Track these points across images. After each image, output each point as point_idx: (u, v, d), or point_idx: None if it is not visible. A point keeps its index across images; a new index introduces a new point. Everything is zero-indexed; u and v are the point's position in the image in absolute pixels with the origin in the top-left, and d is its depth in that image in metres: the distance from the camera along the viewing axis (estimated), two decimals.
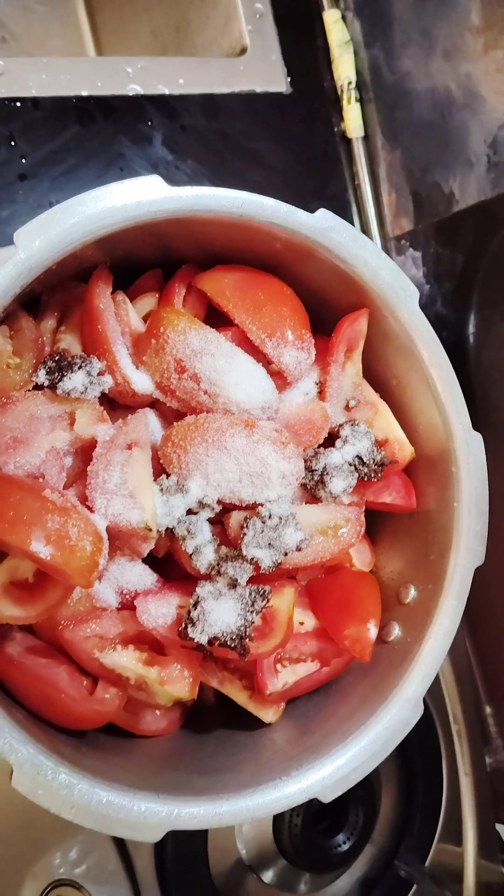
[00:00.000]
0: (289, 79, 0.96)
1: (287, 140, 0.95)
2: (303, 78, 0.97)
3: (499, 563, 0.80)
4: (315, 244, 0.57)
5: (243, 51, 0.94)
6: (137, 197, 0.51)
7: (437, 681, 0.92)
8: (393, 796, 0.90)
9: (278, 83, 0.95)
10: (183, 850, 0.78)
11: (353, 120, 0.97)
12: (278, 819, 0.81)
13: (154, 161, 0.88)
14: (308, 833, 0.81)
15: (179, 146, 0.89)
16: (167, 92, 0.89)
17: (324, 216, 0.57)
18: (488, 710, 0.96)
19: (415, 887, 0.89)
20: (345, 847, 0.83)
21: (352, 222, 1.00)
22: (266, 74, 0.95)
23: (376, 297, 0.60)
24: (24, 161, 0.82)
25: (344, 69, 0.97)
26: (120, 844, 0.77)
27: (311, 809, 0.81)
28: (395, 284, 0.59)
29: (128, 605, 0.57)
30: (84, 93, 0.85)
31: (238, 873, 0.83)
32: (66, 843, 0.75)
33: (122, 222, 0.51)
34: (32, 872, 0.73)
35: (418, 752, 0.90)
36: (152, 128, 0.88)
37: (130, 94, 0.87)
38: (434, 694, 0.92)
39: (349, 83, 0.98)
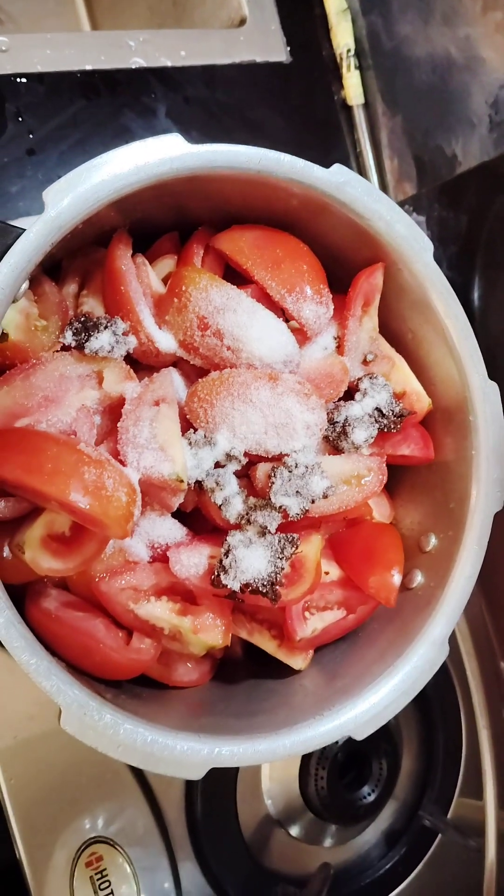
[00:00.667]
0: (288, 48, 0.96)
1: (288, 109, 0.96)
2: (302, 47, 0.97)
3: None
4: (331, 199, 0.58)
5: (242, 22, 0.95)
6: (160, 154, 0.52)
7: (453, 638, 0.94)
8: (414, 750, 0.92)
9: (278, 53, 0.96)
10: (212, 807, 0.80)
11: (352, 87, 0.98)
12: (304, 773, 0.83)
13: (158, 132, 0.88)
14: (333, 786, 0.83)
15: (183, 117, 0.90)
16: (169, 64, 0.90)
17: (339, 171, 0.58)
18: (503, 665, 0.98)
19: (439, 837, 0.91)
20: (369, 799, 0.85)
21: None
22: (266, 45, 0.96)
23: (391, 250, 0.61)
24: (31, 136, 0.83)
25: (342, 37, 0.98)
26: (152, 802, 0.79)
27: (336, 763, 0.83)
28: (410, 237, 0.61)
29: (159, 559, 0.59)
30: (88, 67, 0.86)
31: (266, 827, 0.85)
32: (100, 802, 0.77)
33: (147, 179, 0.52)
34: (68, 831, 0.75)
35: (438, 707, 0.92)
36: (156, 100, 0.89)
37: (133, 67, 0.88)
38: (451, 650, 0.94)
39: (348, 51, 0.98)
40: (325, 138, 1.00)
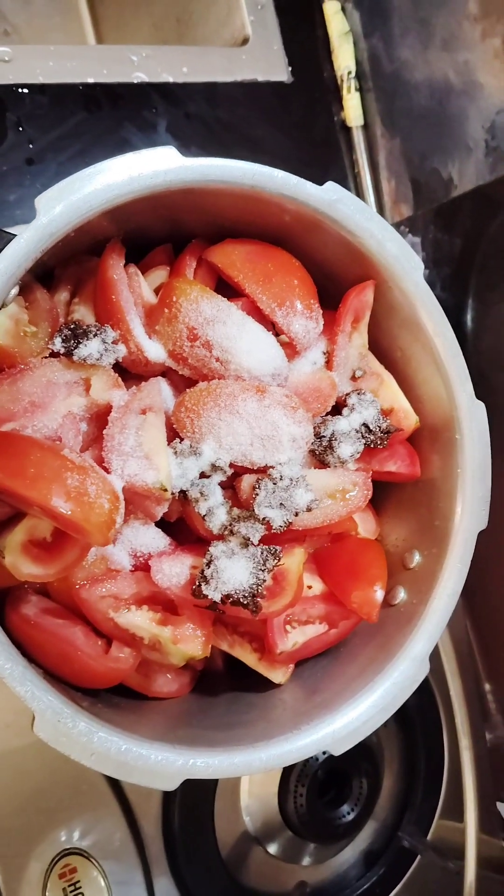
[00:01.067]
0: (290, 68, 0.98)
1: (288, 128, 0.97)
2: (303, 68, 0.99)
3: (495, 543, 0.82)
4: (323, 216, 0.59)
5: (245, 41, 0.96)
6: (154, 166, 0.52)
7: (437, 657, 0.93)
8: (395, 770, 0.92)
9: (280, 72, 0.97)
10: (190, 822, 0.80)
11: (352, 109, 0.99)
12: (283, 790, 0.83)
13: (159, 147, 0.90)
14: (313, 804, 0.82)
15: (183, 133, 0.91)
16: (171, 80, 0.91)
17: (332, 188, 0.59)
18: (488, 686, 0.98)
19: (418, 858, 0.90)
20: (349, 818, 0.85)
21: None
22: (268, 64, 0.97)
23: (382, 268, 0.62)
24: (31, 146, 0.84)
25: (344, 59, 0.99)
26: (128, 816, 0.78)
27: (316, 780, 0.83)
28: (401, 256, 0.61)
29: (141, 568, 0.59)
30: (90, 80, 0.87)
31: (244, 844, 0.84)
32: (75, 814, 0.76)
33: (139, 191, 0.52)
34: (42, 842, 0.75)
35: (420, 727, 0.92)
36: (157, 115, 0.90)
37: (135, 81, 0.89)
38: (434, 670, 0.94)
39: (349, 73, 1.00)
40: (324, 158, 1.01)
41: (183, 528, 0.62)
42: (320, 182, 1.03)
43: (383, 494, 0.72)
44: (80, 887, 0.74)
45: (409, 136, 0.97)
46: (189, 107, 0.92)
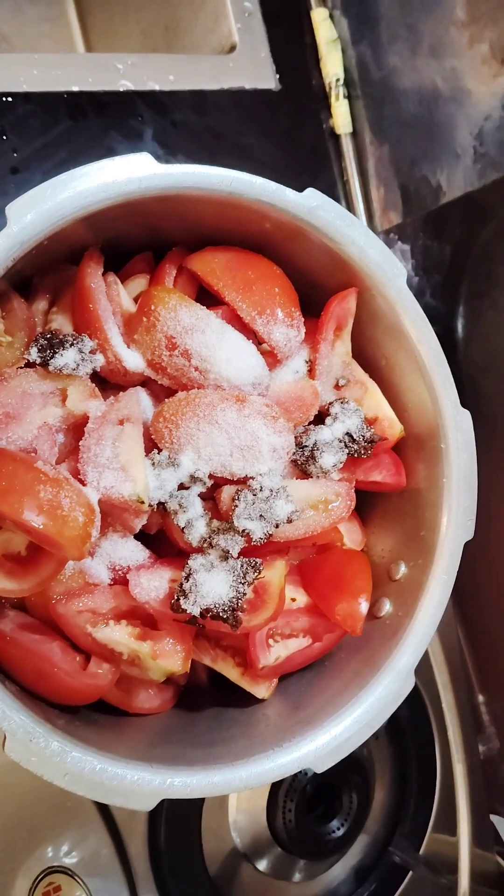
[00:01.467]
0: (278, 76, 0.97)
1: (276, 136, 0.97)
2: (291, 75, 0.98)
3: (487, 551, 0.81)
4: (303, 223, 0.58)
5: (232, 48, 0.96)
6: (128, 173, 0.52)
7: (429, 669, 0.92)
8: (386, 783, 0.90)
9: (267, 80, 0.97)
10: (177, 839, 0.78)
11: (341, 116, 0.99)
12: (272, 806, 0.81)
13: None
14: (302, 820, 0.81)
15: (170, 141, 0.91)
16: (157, 88, 0.90)
17: (312, 195, 0.58)
18: (481, 698, 0.97)
19: (410, 874, 0.89)
20: (339, 833, 0.83)
21: None
22: (255, 71, 0.96)
23: (365, 276, 0.61)
24: (15, 155, 0.83)
25: (332, 66, 0.99)
26: (114, 834, 0.77)
27: (305, 795, 0.81)
28: (384, 263, 0.60)
29: (120, 581, 0.58)
30: (75, 88, 0.86)
31: (233, 861, 0.83)
32: (60, 832, 0.75)
33: (113, 198, 0.51)
34: (26, 860, 0.73)
35: (412, 740, 0.91)
36: (143, 123, 0.89)
37: (121, 89, 0.88)
38: (427, 682, 0.92)
39: (337, 80, 0.99)
40: (313, 166, 1.01)
41: (164, 541, 0.61)
42: None
43: (369, 504, 0.71)
44: None
45: (397, 144, 0.97)
46: (176, 115, 0.91)
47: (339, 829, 0.83)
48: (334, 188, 1.02)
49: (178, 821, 0.78)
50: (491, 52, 0.83)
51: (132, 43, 1.14)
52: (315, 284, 0.65)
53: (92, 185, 0.50)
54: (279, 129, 0.97)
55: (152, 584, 0.56)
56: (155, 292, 0.57)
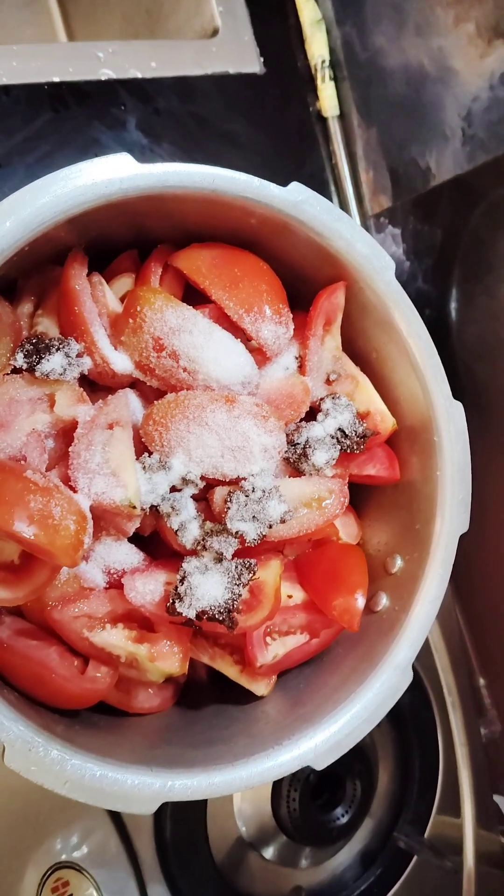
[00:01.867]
0: (262, 59, 0.95)
1: (262, 121, 0.95)
2: (276, 58, 0.96)
3: (486, 536, 0.81)
4: (289, 218, 0.57)
5: (215, 32, 0.94)
6: (108, 175, 0.51)
7: (429, 654, 0.93)
8: (390, 769, 0.91)
9: (251, 64, 0.95)
10: (183, 830, 0.79)
11: (327, 99, 0.97)
12: (276, 795, 0.82)
13: (129, 145, 0.88)
14: (306, 808, 0.82)
15: (154, 129, 0.89)
16: (140, 75, 0.89)
17: (296, 189, 0.57)
18: (482, 681, 0.97)
19: (415, 858, 0.90)
20: (343, 820, 0.84)
21: (330, 201, 1.00)
22: (239, 55, 0.95)
23: (353, 269, 0.60)
24: None
25: (317, 48, 0.97)
26: (120, 827, 0.77)
27: (309, 784, 0.82)
28: (371, 256, 0.60)
29: (115, 585, 0.58)
30: (56, 79, 0.85)
31: (239, 851, 0.84)
32: (67, 827, 0.76)
33: (94, 200, 0.51)
34: (33, 857, 0.74)
35: (413, 725, 0.91)
36: (126, 112, 0.88)
37: (103, 78, 0.87)
38: (427, 667, 0.93)
39: (323, 62, 0.97)
40: (300, 150, 0.99)
41: (158, 542, 0.60)
42: (298, 175, 1.01)
43: (364, 497, 0.70)
44: None
45: (385, 126, 0.95)
46: (159, 102, 0.90)
47: (343, 816, 0.84)
48: (323, 172, 1.00)
49: (183, 812, 0.78)
50: (477, 31, 0.81)
51: (113, 28, 1.12)
52: (303, 278, 0.64)
53: (71, 188, 0.49)
54: (265, 113, 0.96)
55: (147, 588, 0.56)
56: (140, 293, 0.57)
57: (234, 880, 0.82)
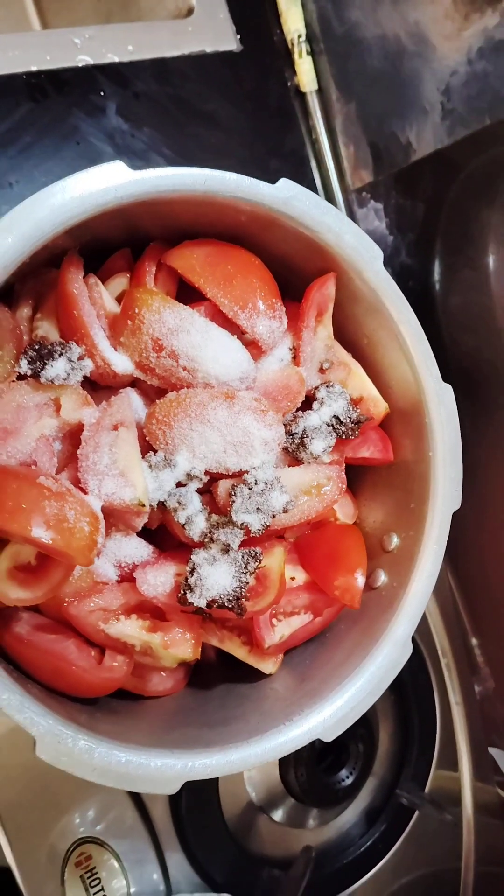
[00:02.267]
0: (238, 36, 0.95)
1: (241, 99, 0.95)
2: (252, 34, 0.96)
3: (475, 505, 0.83)
4: (279, 214, 0.58)
5: (190, 11, 0.93)
6: (103, 184, 0.52)
7: (424, 619, 0.96)
8: (390, 730, 0.95)
9: (228, 41, 0.95)
10: (196, 799, 0.83)
11: (305, 73, 0.97)
12: (283, 761, 0.86)
13: (110, 131, 0.88)
14: (312, 771, 0.86)
15: (134, 114, 0.89)
16: (117, 60, 0.88)
17: (285, 185, 0.58)
18: (474, 641, 1.01)
19: (417, 813, 0.94)
20: (348, 781, 0.88)
21: (311, 177, 1.01)
22: (215, 33, 0.94)
23: (342, 260, 0.61)
24: None
25: (293, 22, 0.96)
26: (136, 799, 0.81)
27: (314, 749, 0.86)
28: (360, 247, 0.61)
29: (127, 578, 0.60)
30: (34, 68, 0.84)
31: (250, 815, 0.88)
32: (85, 803, 0.79)
33: (91, 210, 0.52)
34: (55, 834, 0.78)
35: (411, 687, 0.95)
36: (105, 98, 0.88)
37: (80, 65, 0.86)
38: (422, 632, 0.96)
39: (299, 36, 0.97)
40: (280, 126, 0.99)
41: (164, 534, 0.63)
42: (278, 153, 1.01)
43: (360, 477, 0.73)
44: (96, 873, 0.77)
45: (364, 100, 0.95)
46: (137, 86, 0.89)
47: (347, 777, 0.88)
48: (303, 148, 1.00)
49: (197, 783, 0.82)
50: (453, 4, 0.81)
51: (85, 8, 1.11)
52: (292, 269, 0.65)
53: (68, 200, 0.51)
54: (243, 90, 0.95)
55: (158, 580, 0.58)
56: (137, 294, 0.58)
57: (246, 843, 0.87)
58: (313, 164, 1.01)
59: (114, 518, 0.58)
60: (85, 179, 0.51)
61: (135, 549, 0.60)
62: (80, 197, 0.51)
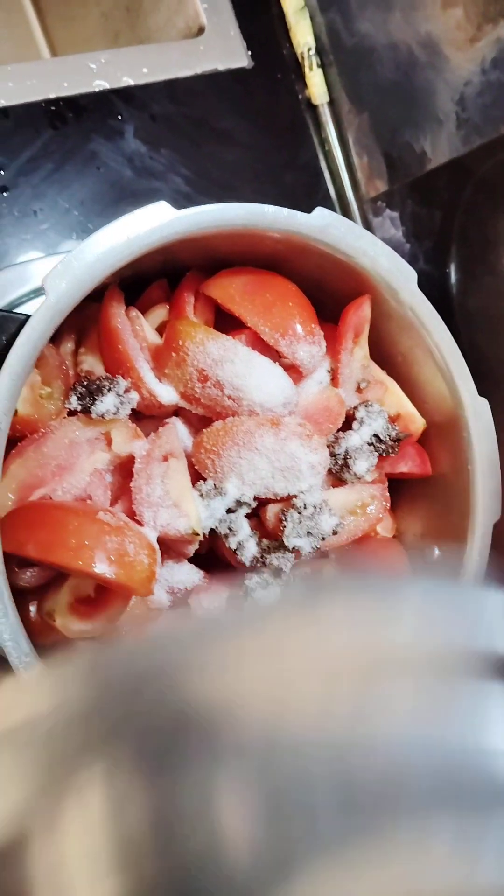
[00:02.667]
0: (249, 52, 0.96)
1: (254, 114, 0.96)
2: (262, 50, 0.97)
3: None
4: (316, 241, 0.60)
5: (201, 30, 0.95)
6: (148, 225, 0.53)
7: None
8: None
9: (239, 58, 0.96)
10: None
11: (316, 86, 0.98)
12: None
13: (129, 155, 0.89)
14: None
15: (151, 136, 0.90)
16: (132, 83, 0.89)
17: (321, 214, 0.59)
18: None
19: None
20: None
21: (326, 188, 1.02)
22: (226, 51, 0.95)
23: (377, 282, 0.63)
24: (2, 173, 0.83)
25: (302, 36, 0.98)
26: None
27: None
28: (394, 269, 0.62)
29: (179, 603, 0.62)
30: (52, 95, 0.85)
31: None
32: None
33: (138, 251, 0.53)
34: None
35: None
36: (123, 121, 0.89)
37: (97, 89, 0.88)
38: None
39: (309, 49, 0.98)
40: (294, 139, 1.01)
41: (211, 557, 0.64)
42: (292, 166, 1.02)
43: (396, 491, 0.74)
44: None
45: (377, 111, 0.96)
46: (153, 108, 0.91)
47: None
48: (316, 160, 1.02)
49: None
50: (465, 15, 0.82)
51: (92, 26, 1.12)
52: (326, 290, 0.66)
53: (117, 243, 0.52)
54: (256, 106, 0.97)
55: (213, 605, 0.59)
56: (181, 327, 0.59)
57: None
58: (327, 175, 1.02)
59: (166, 546, 0.60)
60: (132, 221, 0.53)
61: (186, 574, 0.61)
62: (128, 240, 0.52)
